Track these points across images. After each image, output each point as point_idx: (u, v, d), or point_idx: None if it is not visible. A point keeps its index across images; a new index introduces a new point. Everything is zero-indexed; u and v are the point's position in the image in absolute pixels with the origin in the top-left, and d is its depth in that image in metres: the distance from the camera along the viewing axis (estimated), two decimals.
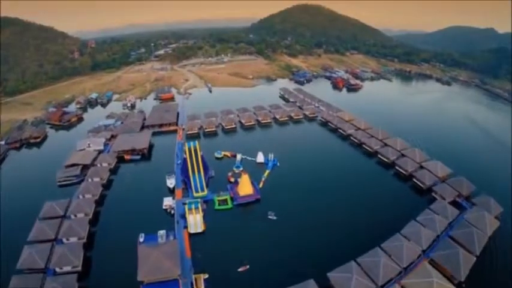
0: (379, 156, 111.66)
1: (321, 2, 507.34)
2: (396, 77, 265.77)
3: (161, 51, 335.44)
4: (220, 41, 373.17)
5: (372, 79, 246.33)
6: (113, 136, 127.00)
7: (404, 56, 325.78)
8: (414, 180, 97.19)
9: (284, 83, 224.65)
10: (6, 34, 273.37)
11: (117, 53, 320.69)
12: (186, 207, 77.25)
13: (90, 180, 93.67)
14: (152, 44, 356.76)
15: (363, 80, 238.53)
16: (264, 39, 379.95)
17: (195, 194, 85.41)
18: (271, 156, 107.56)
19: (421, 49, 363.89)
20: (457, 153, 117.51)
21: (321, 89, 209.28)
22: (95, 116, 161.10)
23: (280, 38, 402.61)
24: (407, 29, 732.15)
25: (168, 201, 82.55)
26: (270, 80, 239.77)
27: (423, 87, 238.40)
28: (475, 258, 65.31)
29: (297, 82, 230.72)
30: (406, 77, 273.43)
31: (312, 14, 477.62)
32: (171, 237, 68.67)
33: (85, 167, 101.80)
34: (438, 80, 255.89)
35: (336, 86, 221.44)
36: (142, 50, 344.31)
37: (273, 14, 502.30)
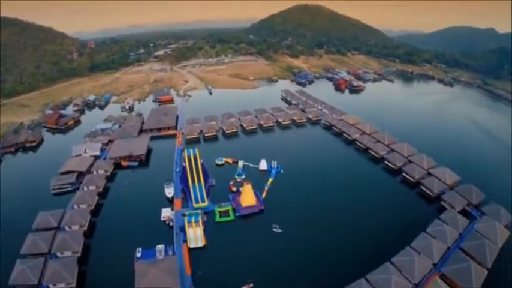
0: (386, 162, 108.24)
1: (321, 2, 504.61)
2: (398, 78, 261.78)
3: (161, 52, 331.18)
4: (221, 41, 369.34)
5: (374, 80, 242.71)
6: (110, 141, 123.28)
7: (405, 56, 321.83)
8: (422, 187, 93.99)
9: (286, 85, 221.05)
10: (5, 34, 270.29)
11: (116, 53, 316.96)
12: (186, 219, 73.60)
13: (85, 188, 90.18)
14: (152, 45, 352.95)
15: (365, 81, 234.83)
16: (264, 39, 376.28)
17: (195, 205, 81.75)
18: (274, 163, 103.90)
19: (422, 49, 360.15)
20: (463, 158, 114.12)
21: (323, 91, 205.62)
22: (93, 119, 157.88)
23: (280, 38, 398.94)
24: (408, 29, 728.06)
25: (166, 213, 79.00)
26: (271, 81, 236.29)
27: (426, 89, 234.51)
28: (486, 272, 62.77)
29: (298, 83, 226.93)
30: (408, 77, 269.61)
31: (313, 14, 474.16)
32: (170, 252, 65.16)
33: (80, 174, 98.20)
34: (440, 81, 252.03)
35: (338, 88, 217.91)
36: (142, 50, 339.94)
37: (273, 14, 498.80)
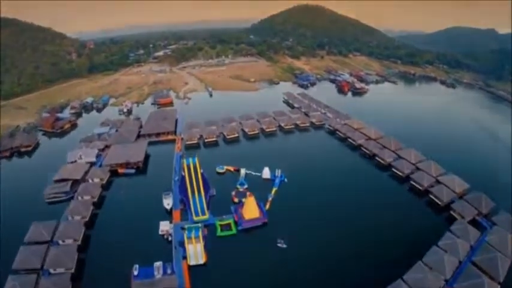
0: (393, 169, 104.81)
1: (321, 2, 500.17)
2: (400, 79, 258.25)
3: (160, 53, 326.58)
4: (221, 41, 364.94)
5: (377, 82, 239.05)
6: (106, 146, 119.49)
7: (407, 57, 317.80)
8: (431, 196, 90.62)
9: (287, 87, 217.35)
10: (5, 34, 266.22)
11: (115, 54, 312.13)
12: (185, 235, 69.44)
13: (80, 198, 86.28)
14: (151, 45, 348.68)
15: (367, 83, 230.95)
16: (265, 40, 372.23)
17: (195, 218, 77.79)
18: (278, 171, 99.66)
19: (423, 50, 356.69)
20: (469, 163, 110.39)
21: (325, 93, 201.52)
22: (90, 122, 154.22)
23: (281, 38, 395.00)
24: (408, 30, 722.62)
25: (164, 226, 75.04)
26: (272, 83, 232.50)
27: (428, 90, 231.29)
28: (499, 286, 60.58)
29: (300, 86, 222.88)
30: (410, 79, 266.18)
31: (313, 14, 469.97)
32: (169, 270, 61.46)
33: (75, 182, 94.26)
34: (443, 82, 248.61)
35: (341, 90, 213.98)
36: (141, 51, 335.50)
37: (273, 14, 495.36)
